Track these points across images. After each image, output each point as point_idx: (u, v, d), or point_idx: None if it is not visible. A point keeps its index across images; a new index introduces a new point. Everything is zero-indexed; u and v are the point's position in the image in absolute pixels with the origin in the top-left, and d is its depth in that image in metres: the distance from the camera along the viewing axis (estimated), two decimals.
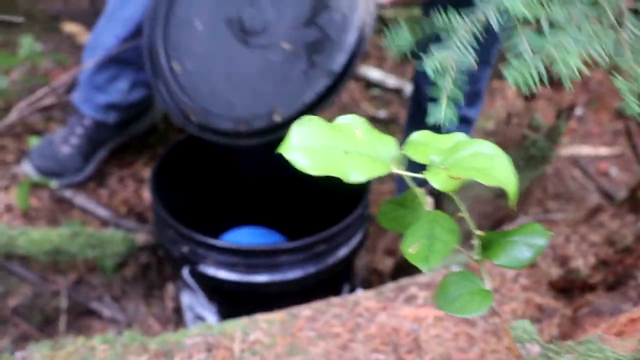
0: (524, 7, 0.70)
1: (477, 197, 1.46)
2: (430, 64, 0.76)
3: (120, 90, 1.62)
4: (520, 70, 0.77)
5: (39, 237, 1.43)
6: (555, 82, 2.46)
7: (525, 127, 1.36)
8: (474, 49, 1.51)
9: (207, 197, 1.56)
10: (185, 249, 1.25)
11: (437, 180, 0.48)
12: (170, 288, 1.69)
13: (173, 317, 1.66)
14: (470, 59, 0.82)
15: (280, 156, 1.55)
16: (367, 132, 0.54)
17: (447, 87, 0.86)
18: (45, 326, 1.53)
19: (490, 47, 1.68)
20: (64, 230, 1.48)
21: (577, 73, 0.70)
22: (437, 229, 0.52)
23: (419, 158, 0.52)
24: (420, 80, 1.86)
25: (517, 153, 1.38)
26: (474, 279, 0.55)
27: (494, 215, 1.48)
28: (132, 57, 1.56)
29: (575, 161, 2.66)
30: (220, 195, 1.57)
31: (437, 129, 1.91)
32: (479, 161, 0.48)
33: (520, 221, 1.49)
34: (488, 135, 2.57)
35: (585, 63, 2.49)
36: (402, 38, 0.84)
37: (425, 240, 0.52)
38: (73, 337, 0.99)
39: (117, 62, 1.57)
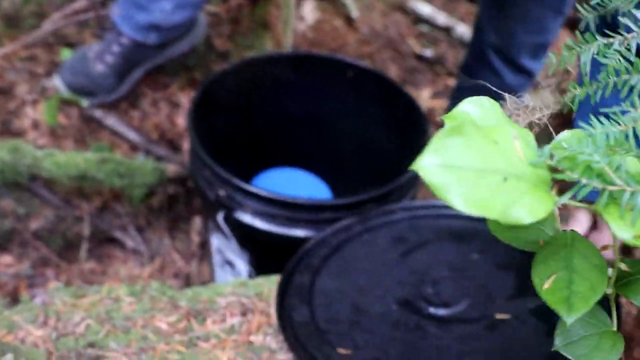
0: None
1: None
2: None
3: (163, 9, 1.48)
4: None
5: (65, 160, 1.34)
6: None
7: None
8: None
9: (246, 133, 1.46)
10: (221, 192, 1.15)
11: None
12: (197, 222, 1.60)
13: (198, 252, 1.59)
14: None
15: (330, 97, 1.39)
16: (526, 144, 0.40)
17: None
18: (66, 252, 1.46)
19: None
20: (91, 155, 1.39)
21: None
22: (577, 259, 0.41)
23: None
24: (484, 25, 1.71)
25: None
26: (601, 317, 0.44)
27: None
28: None
29: None
30: (261, 132, 1.46)
31: (493, 80, 1.77)
32: None
33: None
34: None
35: None
36: None
37: (563, 274, 0.40)
38: (97, 286, 0.90)
39: None
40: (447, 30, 2.49)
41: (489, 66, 1.71)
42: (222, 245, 1.28)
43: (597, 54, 0.51)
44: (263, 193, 1.11)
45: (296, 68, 1.40)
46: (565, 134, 0.42)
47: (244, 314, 0.90)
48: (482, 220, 1.08)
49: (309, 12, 2.56)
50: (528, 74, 1.72)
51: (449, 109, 1.93)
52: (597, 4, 0.58)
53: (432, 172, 0.38)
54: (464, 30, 2.41)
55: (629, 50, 0.49)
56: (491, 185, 0.38)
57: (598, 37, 0.52)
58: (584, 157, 0.38)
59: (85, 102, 1.55)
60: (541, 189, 0.39)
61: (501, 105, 1.63)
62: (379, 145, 1.43)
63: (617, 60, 0.48)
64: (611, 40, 0.50)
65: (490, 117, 0.43)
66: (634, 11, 0.52)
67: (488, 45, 1.69)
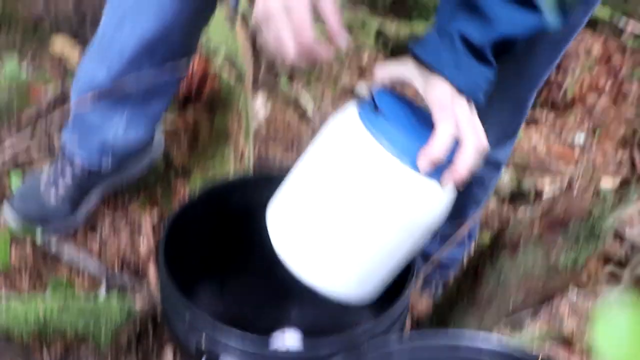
0: None
1: (527, 271, 1.29)
2: None
3: (115, 129, 1.39)
4: None
5: (22, 309, 1.22)
6: (558, 107, 2.26)
7: (590, 196, 1.20)
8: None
9: (217, 264, 1.37)
10: (203, 340, 1.06)
11: None
12: (168, 354, 1.49)
13: None
14: None
15: None
16: None
17: None
18: None
19: (530, 91, 1.46)
20: (51, 299, 1.27)
21: None
22: None
23: None
24: None
25: (579, 227, 1.22)
26: None
27: (543, 291, 1.32)
28: (127, 92, 1.32)
29: None
30: (232, 261, 1.38)
31: None
32: None
33: (572, 299, 1.33)
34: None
35: (590, 88, 2.30)
36: None
37: None
38: None
39: (109, 98, 1.33)
40: None
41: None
42: None
43: None
44: (258, 341, 1.02)
45: (266, 189, 1.33)
46: None
47: None
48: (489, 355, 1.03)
49: (260, 108, 2.52)
50: (496, 166, 1.67)
51: None
52: None
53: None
54: None
55: None
56: None
57: None
58: None
59: (39, 234, 1.45)
60: None
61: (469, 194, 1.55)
62: None
63: None
64: None
65: None
66: None
67: None
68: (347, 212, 0.95)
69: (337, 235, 0.98)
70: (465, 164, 0.90)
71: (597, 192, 1.21)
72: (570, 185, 1.23)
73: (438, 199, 0.95)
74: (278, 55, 0.96)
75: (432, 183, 0.92)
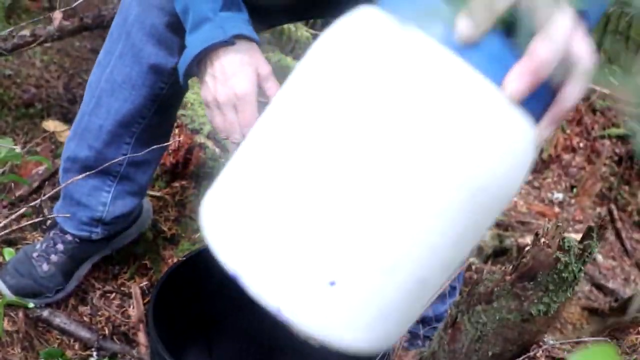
0: None
1: (502, 321, 1.35)
2: None
3: (102, 203, 1.46)
4: None
5: None
6: (535, 167, 2.38)
7: (555, 248, 1.27)
8: None
9: (205, 324, 1.42)
10: None
11: None
12: None
13: None
14: None
15: None
16: None
17: None
18: None
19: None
20: None
21: None
22: None
23: None
24: None
25: (548, 277, 1.28)
26: None
27: (519, 340, 1.37)
28: (111, 166, 1.40)
29: None
30: (219, 319, 1.43)
31: None
32: None
33: (548, 345, 1.38)
34: None
35: (565, 148, 2.43)
36: None
37: None
38: None
39: (95, 173, 1.40)
40: None
41: None
42: None
43: None
44: None
45: None
46: None
47: None
48: None
49: None
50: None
51: None
52: None
53: None
54: None
55: None
56: None
57: None
58: None
59: (32, 304, 1.49)
60: None
61: None
62: None
63: None
64: None
65: None
66: None
67: None
68: (363, 170, 0.54)
69: (344, 218, 0.55)
70: (576, 94, 0.61)
71: (563, 242, 1.27)
72: (537, 236, 1.31)
73: (525, 148, 0.57)
74: (224, 134, 1.06)
75: (521, 118, 0.56)
